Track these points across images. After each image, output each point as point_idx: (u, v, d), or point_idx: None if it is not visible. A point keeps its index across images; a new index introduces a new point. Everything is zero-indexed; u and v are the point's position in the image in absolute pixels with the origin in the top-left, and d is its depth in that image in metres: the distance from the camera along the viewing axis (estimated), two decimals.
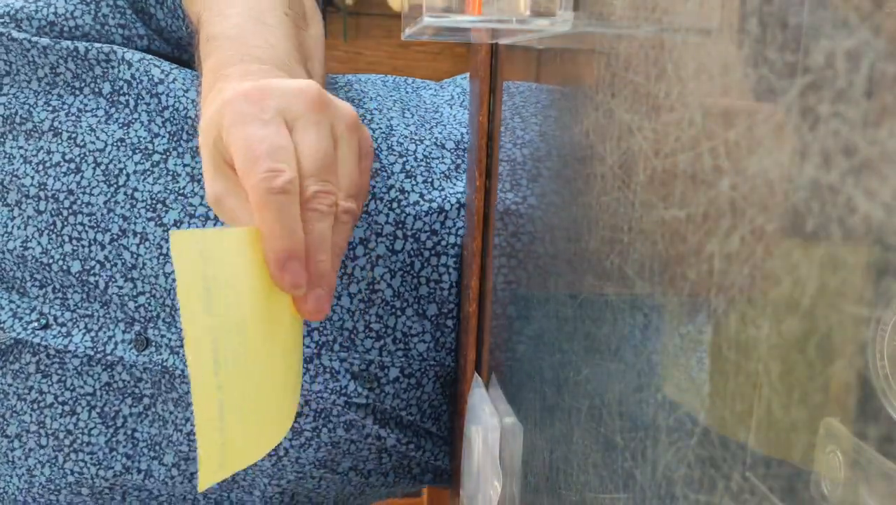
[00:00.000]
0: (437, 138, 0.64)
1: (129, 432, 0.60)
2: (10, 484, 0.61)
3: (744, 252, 0.22)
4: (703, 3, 0.25)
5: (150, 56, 0.60)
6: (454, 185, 0.62)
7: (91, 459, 0.60)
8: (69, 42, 0.58)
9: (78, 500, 0.62)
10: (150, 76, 0.58)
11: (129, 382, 0.58)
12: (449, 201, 0.60)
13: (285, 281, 0.40)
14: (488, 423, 0.48)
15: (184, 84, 0.59)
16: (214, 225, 0.56)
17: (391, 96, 0.68)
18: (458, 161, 0.63)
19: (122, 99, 0.59)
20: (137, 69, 0.59)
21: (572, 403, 0.37)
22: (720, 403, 0.23)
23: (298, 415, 0.58)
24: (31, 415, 0.60)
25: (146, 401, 0.59)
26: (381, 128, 0.63)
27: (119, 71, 0.59)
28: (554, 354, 0.40)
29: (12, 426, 0.60)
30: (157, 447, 0.60)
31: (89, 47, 0.58)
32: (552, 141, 0.41)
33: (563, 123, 0.39)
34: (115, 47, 0.59)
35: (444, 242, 0.60)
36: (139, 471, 0.60)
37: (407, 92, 0.71)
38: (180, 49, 0.64)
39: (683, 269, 0.26)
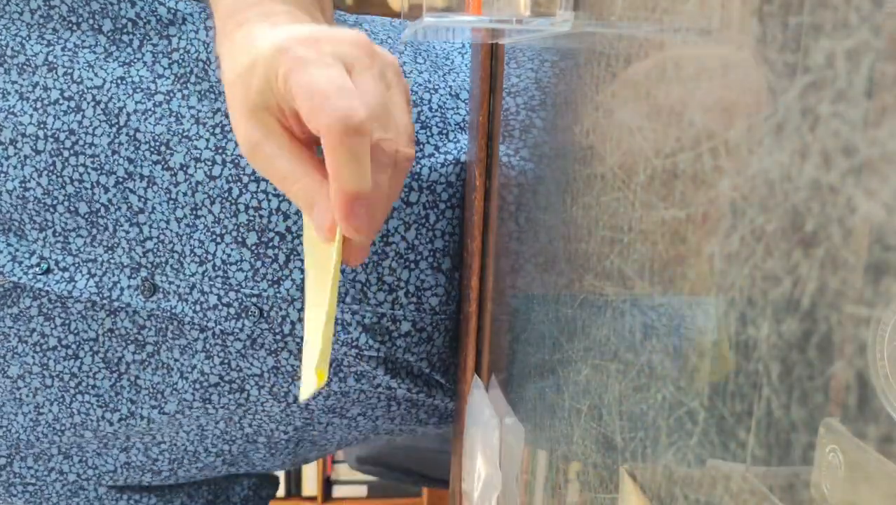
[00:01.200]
0: (450, 87, 0.63)
1: (132, 379, 0.59)
2: (14, 423, 0.61)
3: (744, 252, 0.22)
4: (703, 3, 0.25)
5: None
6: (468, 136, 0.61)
7: (97, 400, 0.59)
8: None
9: (81, 441, 0.61)
10: (158, 16, 0.57)
11: (131, 329, 0.58)
12: (464, 153, 0.59)
13: (350, 223, 0.39)
14: (488, 424, 0.48)
15: (194, 25, 0.57)
16: (222, 169, 0.55)
17: (399, 37, 0.67)
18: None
19: (124, 38, 0.57)
20: (142, 8, 0.57)
21: (572, 404, 0.37)
22: (720, 403, 0.23)
23: None
24: (33, 357, 0.59)
25: (149, 348, 0.58)
26: None
27: (121, 8, 0.57)
28: (554, 354, 0.40)
29: (14, 367, 0.60)
30: (160, 395, 0.59)
31: None
32: (552, 141, 0.41)
33: (563, 123, 0.39)
34: None
35: (459, 195, 0.59)
36: (142, 417, 0.60)
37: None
38: None
39: (683, 269, 0.26)
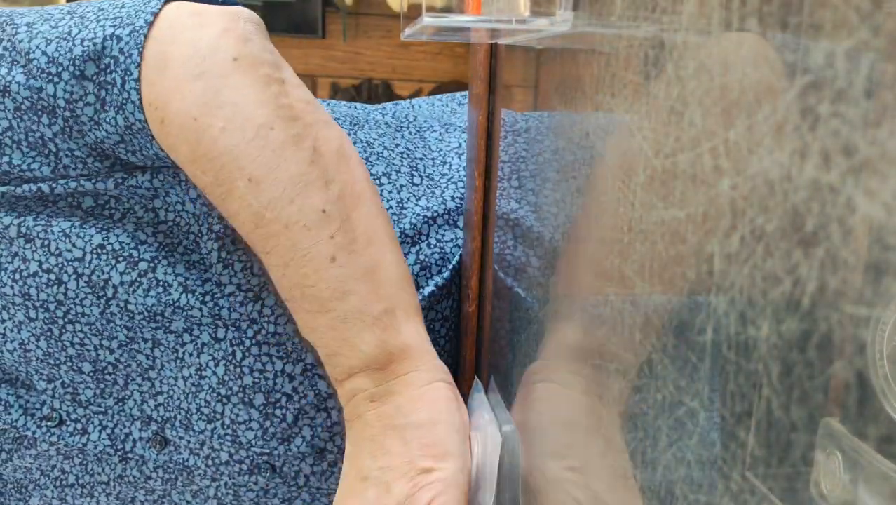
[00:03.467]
0: (448, 210, 0.62)
1: None
2: None
3: (744, 252, 0.22)
4: (703, 3, 0.25)
5: (121, 175, 0.53)
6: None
7: None
8: (30, 185, 0.52)
9: None
10: (140, 194, 0.54)
11: (139, 478, 0.58)
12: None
13: None
14: (487, 430, 0.48)
15: (178, 196, 0.54)
16: (225, 332, 0.54)
17: (397, 147, 0.66)
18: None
19: (104, 213, 0.54)
20: (121, 184, 0.53)
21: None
22: (720, 403, 0.23)
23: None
24: (52, 491, 0.59)
25: (158, 492, 0.59)
26: (391, 205, 0.61)
27: (99, 187, 0.53)
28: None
29: (34, 498, 0.60)
30: None
31: (53, 186, 0.52)
32: (552, 141, 0.41)
33: (563, 124, 0.39)
34: (82, 180, 0.53)
35: (455, 327, 0.60)
36: None
37: (411, 134, 0.69)
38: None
39: (683, 269, 0.26)
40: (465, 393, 0.57)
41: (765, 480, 0.21)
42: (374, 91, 2.21)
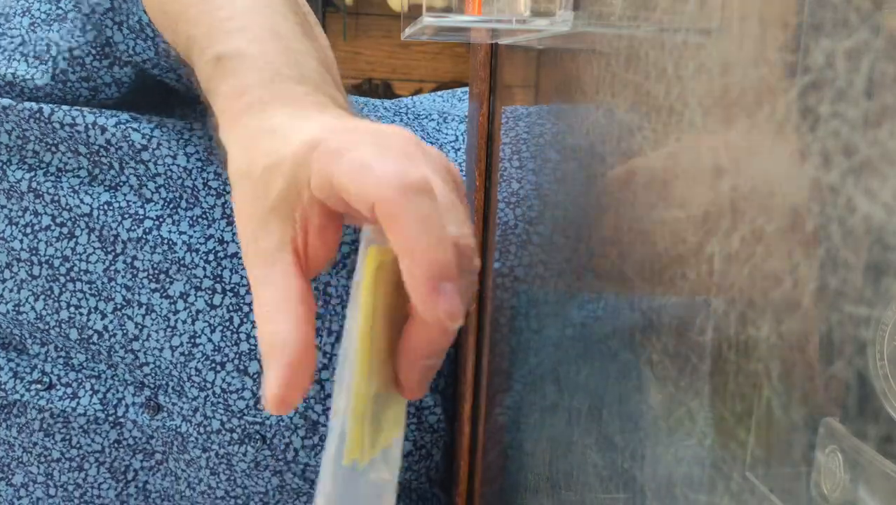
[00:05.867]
0: None
1: (140, 485, 0.59)
2: None
3: (744, 252, 0.22)
4: (704, 3, 0.25)
5: (126, 118, 0.54)
6: None
7: None
8: (31, 103, 0.54)
9: None
10: (131, 142, 0.54)
11: (140, 438, 0.58)
12: None
13: (440, 308, 0.30)
14: None
15: (170, 149, 0.54)
16: (223, 298, 0.54)
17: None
18: None
19: (103, 160, 0.55)
20: (114, 134, 0.54)
21: (572, 403, 0.37)
22: (720, 403, 0.23)
23: (314, 483, 0.59)
24: (37, 467, 0.59)
25: (158, 456, 0.59)
26: None
27: (91, 136, 0.54)
28: (554, 354, 0.40)
29: (18, 476, 0.59)
30: (171, 499, 0.60)
31: (54, 109, 0.54)
32: (552, 141, 0.41)
33: (563, 123, 0.39)
34: (84, 111, 0.54)
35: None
36: None
37: (409, 119, 0.68)
38: (156, 70, 0.58)
39: (683, 269, 0.26)
40: (465, 393, 0.57)
41: (765, 480, 0.21)
42: (375, 91, 2.21)
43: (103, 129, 0.54)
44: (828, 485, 0.19)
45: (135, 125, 0.54)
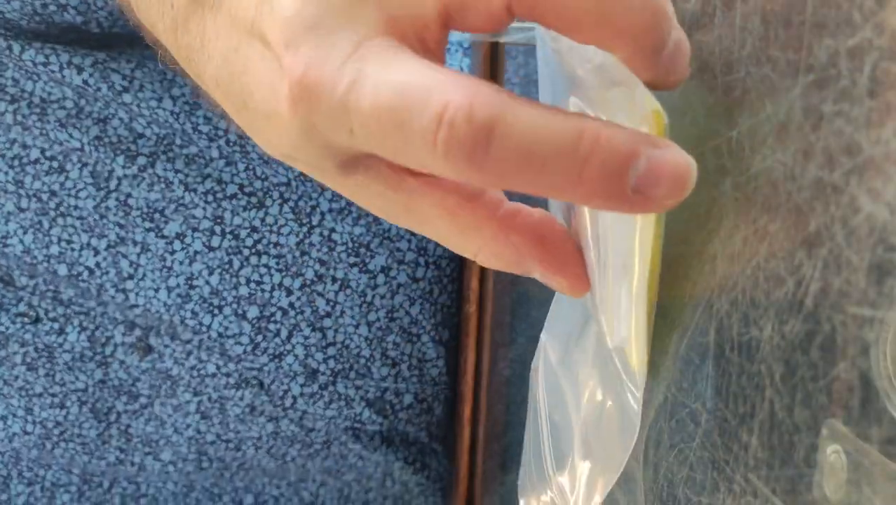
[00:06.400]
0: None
1: (122, 428, 0.58)
2: None
3: (746, 252, 0.22)
4: (705, 2, 0.25)
5: (103, 57, 0.51)
6: None
7: (83, 448, 0.58)
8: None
9: (66, 479, 0.60)
10: (111, 83, 0.52)
11: (125, 380, 0.57)
12: None
13: (675, 67, 0.23)
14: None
15: (154, 92, 0.52)
16: (221, 240, 0.53)
17: None
18: None
19: (88, 90, 0.52)
20: (91, 75, 0.51)
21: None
22: (723, 405, 0.23)
23: (310, 430, 0.58)
24: (18, 400, 0.57)
25: (143, 400, 0.57)
26: None
27: (66, 76, 0.51)
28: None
29: None
30: (154, 444, 0.59)
31: (25, 46, 0.50)
32: None
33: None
34: (59, 49, 0.50)
35: (459, 267, 0.59)
36: (132, 464, 0.59)
37: None
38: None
39: (684, 269, 0.26)
40: (465, 394, 0.57)
41: (767, 481, 0.21)
42: None
43: (80, 69, 0.52)
44: (831, 486, 0.19)
45: (114, 65, 0.52)
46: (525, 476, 0.39)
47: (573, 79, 0.28)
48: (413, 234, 0.57)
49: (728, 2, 0.24)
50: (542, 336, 0.37)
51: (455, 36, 0.58)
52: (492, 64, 0.52)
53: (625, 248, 0.26)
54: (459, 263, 0.59)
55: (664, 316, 0.27)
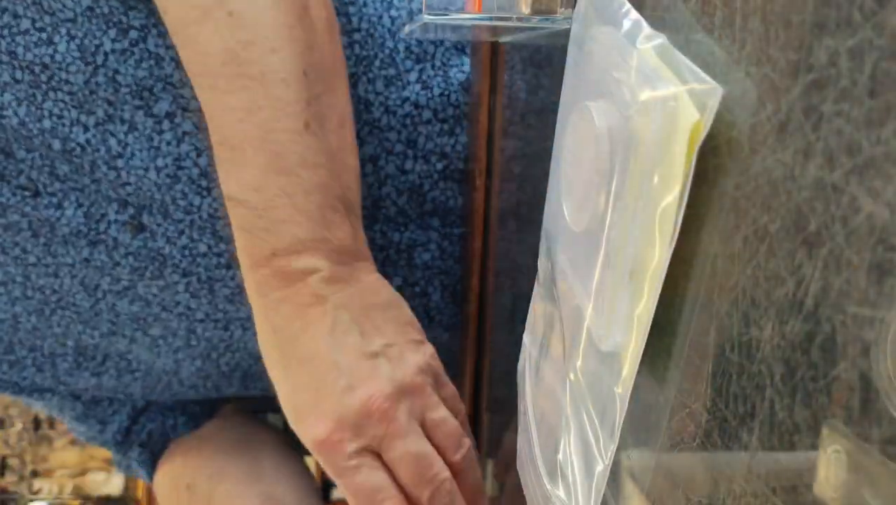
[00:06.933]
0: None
1: (109, 305, 0.58)
2: None
3: (746, 252, 0.22)
4: (705, 2, 0.25)
5: None
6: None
7: (78, 317, 0.58)
8: None
9: (62, 350, 0.61)
10: None
11: (107, 262, 0.56)
12: (461, 125, 0.59)
13: None
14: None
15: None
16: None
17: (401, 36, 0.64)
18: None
19: None
20: None
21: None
22: (723, 405, 0.23)
23: None
24: (14, 268, 0.57)
25: (124, 282, 0.57)
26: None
27: None
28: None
29: None
30: (142, 321, 0.59)
31: None
32: (553, 140, 0.41)
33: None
34: None
35: (452, 167, 0.59)
36: (124, 336, 0.59)
37: None
38: None
39: (684, 269, 0.26)
40: (465, 394, 0.57)
41: (767, 481, 0.21)
42: None
43: None
44: (831, 486, 0.19)
45: None
46: (524, 476, 0.39)
47: (604, 82, 0.28)
48: (403, 123, 0.57)
49: (728, 2, 0.24)
50: (525, 338, 0.39)
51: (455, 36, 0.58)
52: (492, 64, 0.52)
53: (638, 259, 0.25)
54: (451, 162, 0.59)
55: (664, 316, 0.27)
